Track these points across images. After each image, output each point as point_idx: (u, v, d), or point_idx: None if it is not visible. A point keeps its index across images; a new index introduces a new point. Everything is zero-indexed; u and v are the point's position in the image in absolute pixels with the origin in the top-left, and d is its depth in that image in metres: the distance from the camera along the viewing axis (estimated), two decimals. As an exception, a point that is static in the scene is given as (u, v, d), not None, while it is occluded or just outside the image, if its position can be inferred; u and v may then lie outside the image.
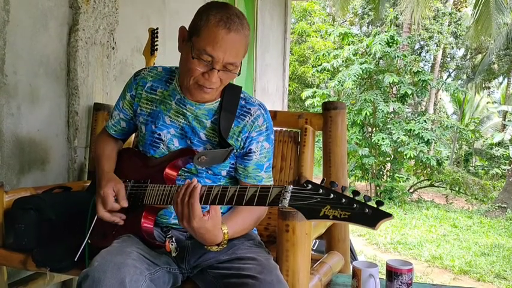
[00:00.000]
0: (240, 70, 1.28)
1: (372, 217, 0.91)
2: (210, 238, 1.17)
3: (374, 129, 9.12)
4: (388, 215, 0.90)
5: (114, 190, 1.32)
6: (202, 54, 1.21)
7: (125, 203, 1.31)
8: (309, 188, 0.99)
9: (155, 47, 2.28)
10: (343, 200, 0.94)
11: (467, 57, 19.42)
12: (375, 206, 0.91)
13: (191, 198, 1.12)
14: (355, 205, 0.93)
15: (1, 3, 1.84)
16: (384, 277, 1.51)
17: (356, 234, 5.68)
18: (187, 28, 1.29)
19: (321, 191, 0.98)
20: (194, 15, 1.26)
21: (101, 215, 1.31)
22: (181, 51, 1.31)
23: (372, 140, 8.72)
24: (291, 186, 1.02)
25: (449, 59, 19.34)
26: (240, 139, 1.36)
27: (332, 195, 0.96)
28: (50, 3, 2.08)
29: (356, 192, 0.95)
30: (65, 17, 2.17)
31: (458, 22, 17.32)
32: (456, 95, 15.51)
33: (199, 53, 1.21)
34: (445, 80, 17.53)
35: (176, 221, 1.37)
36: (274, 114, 1.82)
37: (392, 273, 1.45)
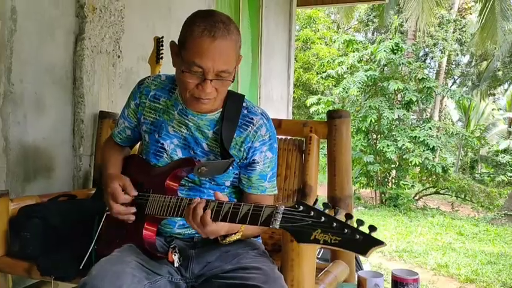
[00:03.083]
0: (234, 76, 1.27)
1: (362, 244, 0.88)
2: (226, 230, 1.19)
3: (379, 136, 9.10)
4: (380, 243, 0.87)
5: (120, 184, 1.32)
6: (192, 66, 1.20)
7: (134, 192, 1.32)
8: (300, 209, 0.98)
9: (160, 56, 2.30)
10: (335, 224, 0.92)
11: (472, 63, 19.37)
12: (368, 231, 0.89)
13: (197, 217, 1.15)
14: (346, 230, 0.90)
15: (8, 13, 1.86)
16: (390, 287, 1.50)
17: (361, 242, 5.63)
18: (176, 42, 1.29)
19: (312, 213, 0.96)
20: (181, 27, 1.26)
21: (116, 210, 1.30)
22: (175, 65, 1.30)
23: (377, 147, 8.69)
24: (283, 207, 1.01)
25: (454, 66, 19.30)
26: (242, 149, 1.35)
27: (323, 219, 0.94)
28: (56, 12, 2.10)
29: (349, 216, 0.92)
30: (71, 26, 2.19)
31: (463, 29, 17.30)
32: (461, 101, 15.46)
33: (189, 66, 1.20)
34: (450, 86, 17.50)
35: (180, 231, 1.37)
36: (278, 122, 1.82)
37: (397, 283, 1.44)
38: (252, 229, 1.29)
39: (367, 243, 0.88)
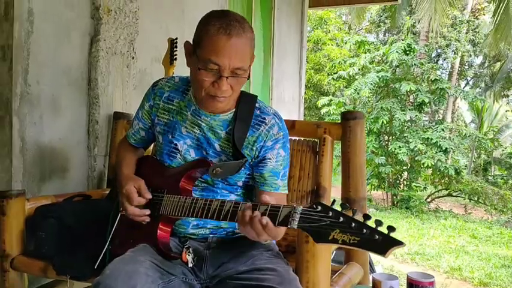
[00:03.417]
0: (249, 74, 1.28)
1: (381, 244, 0.88)
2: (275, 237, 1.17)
3: (390, 137, 9.04)
4: (399, 243, 0.87)
5: (135, 186, 1.33)
6: (208, 64, 1.21)
7: (148, 195, 1.33)
8: (318, 209, 0.98)
9: (174, 57, 2.31)
10: (353, 225, 0.92)
11: (486, 65, 19.16)
12: (386, 231, 0.89)
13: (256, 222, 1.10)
14: (364, 230, 0.91)
15: (25, 14, 1.88)
16: (405, 290, 1.49)
17: (373, 244, 5.60)
18: (191, 42, 1.30)
19: (330, 213, 0.96)
20: (196, 27, 1.27)
21: (131, 212, 1.32)
22: (189, 65, 1.32)
23: (389, 149, 8.63)
24: (301, 207, 1.01)
25: (467, 67, 19.11)
26: (254, 148, 1.36)
27: (342, 219, 0.94)
28: (72, 14, 2.12)
29: (367, 216, 0.92)
30: (87, 27, 2.21)
31: (476, 30, 17.13)
32: (474, 103, 15.28)
33: (205, 64, 1.22)
34: (463, 88, 17.32)
35: (194, 231, 1.38)
36: (292, 123, 1.82)
37: (413, 286, 1.43)
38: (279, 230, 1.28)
39: (386, 243, 0.88)
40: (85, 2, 2.20)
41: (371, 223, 0.91)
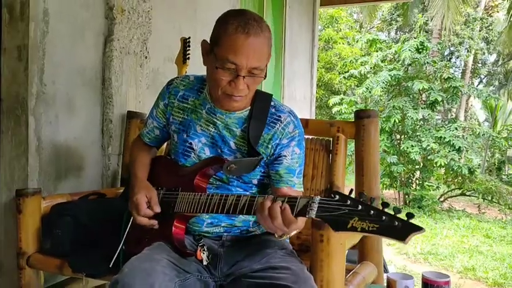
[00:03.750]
0: (266, 73, 1.28)
1: (401, 230, 0.89)
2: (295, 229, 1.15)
3: (403, 136, 8.97)
4: (419, 228, 0.87)
5: (147, 197, 1.34)
6: (226, 63, 1.21)
7: (157, 208, 1.33)
8: (336, 198, 0.98)
9: (187, 56, 2.32)
10: (372, 212, 0.92)
11: (499, 62, 18.91)
12: (405, 218, 0.89)
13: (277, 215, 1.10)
14: (384, 217, 0.91)
15: (41, 15, 1.91)
16: (419, 289, 1.48)
17: (385, 244, 5.57)
18: (208, 41, 1.30)
19: (348, 202, 0.96)
20: (213, 26, 1.27)
21: (138, 221, 1.33)
22: (206, 64, 1.32)
23: (401, 148, 8.57)
24: (318, 197, 1.02)
25: (480, 65, 18.88)
26: (270, 146, 1.36)
27: (360, 207, 0.94)
28: (86, 14, 2.14)
29: (385, 204, 0.93)
30: (101, 27, 2.23)
31: (490, 27, 16.91)
32: (488, 101, 15.10)
33: (223, 62, 1.22)
34: (477, 86, 17.11)
35: (208, 229, 1.38)
36: (305, 122, 1.81)
37: (428, 286, 1.42)
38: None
39: (406, 229, 0.88)
40: (99, 2, 2.21)
41: (389, 211, 0.92)
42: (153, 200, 1.34)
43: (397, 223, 0.89)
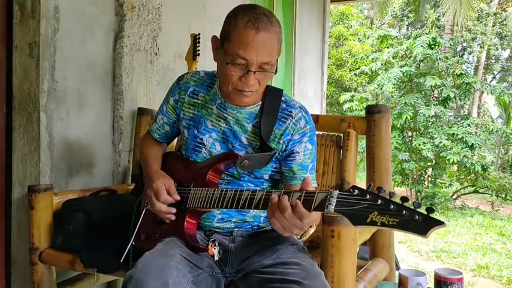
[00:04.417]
0: (276, 68, 1.27)
1: (422, 224, 0.88)
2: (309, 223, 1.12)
3: (414, 133, 8.89)
4: (440, 223, 0.86)
5: (166, 185, 1.32)
6: (236, 59, 1.21)
7: (177, 196, 1.32)
8: (355, 193, 0.97)
9: (197, 52, 2.32)
10: (392, 206, 0.91)
11: (513, 58, 18.63)
12: (425, 213, 0.88)
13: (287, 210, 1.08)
14: (404, 212, 0.90)
15: (52, 12, 1.91)
16: (432, 286, 1.46)
17: (397, 241, 5.53)
18: (218, 36, 1.30)
19: (368, 196, 0.95)
20: (223, 22, 1.26)
21: (157, 208, 1.31)
22: (216, 59, 1.31)
23: (413, 145, 8.49)
24: (337, 191, 1.00)
25: (493, 61, 18.62)
26: (281, 142, 1.35)
27: (380, 201, 0.93)
28: (97, 11, 2.14)
29: (405, 199, 0.92)
30: (111, 24, 2.23)
31: (504, 22, 16.66)
32: (501, 97, 14.90)
33: (233, 58, 1.21)
34: (490, 82, 16.89)
35: (219, 224, 1.38)
36: (316, 118, 1.80)
37: (441, 283, 1.40)
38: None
39: (426, 223, 0.87)
40: (109, -1, 2.22)
41: (409, 205, 0.91)
42: (171, 188, 1.33)
43: (417, 217, 0.88)
